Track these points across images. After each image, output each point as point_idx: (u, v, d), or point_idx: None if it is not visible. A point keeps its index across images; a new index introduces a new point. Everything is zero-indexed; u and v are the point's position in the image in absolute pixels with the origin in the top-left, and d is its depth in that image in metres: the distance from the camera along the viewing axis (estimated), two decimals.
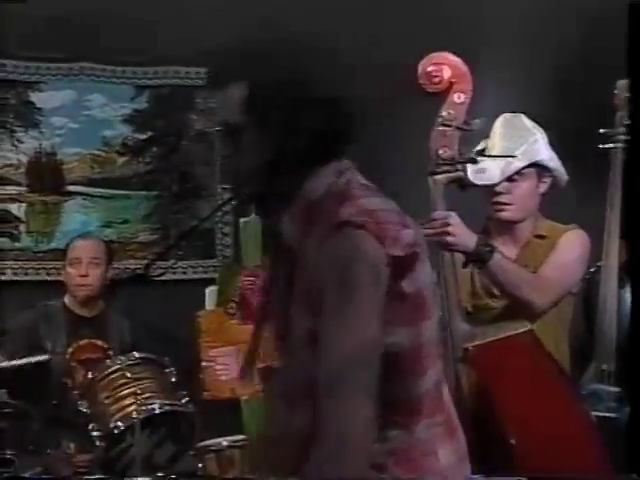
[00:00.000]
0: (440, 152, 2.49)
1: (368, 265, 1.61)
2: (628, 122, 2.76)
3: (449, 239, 2.46)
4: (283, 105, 1.70)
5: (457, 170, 2.50)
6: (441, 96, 2.50)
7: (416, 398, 1.69)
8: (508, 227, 2.80)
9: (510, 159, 2.66)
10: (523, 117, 2.78)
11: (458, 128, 2.48)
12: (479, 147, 2.74)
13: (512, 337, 2.47)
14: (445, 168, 2.50)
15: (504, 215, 2.72)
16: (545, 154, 2.73)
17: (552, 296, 2.62)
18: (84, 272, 3.71)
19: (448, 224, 2.46)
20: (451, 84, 2.48)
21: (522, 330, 2.49)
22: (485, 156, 2.63)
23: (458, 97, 2.48)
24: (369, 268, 1.61)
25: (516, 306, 2.60)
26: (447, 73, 2.49)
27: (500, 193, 2.69)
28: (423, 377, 1.70)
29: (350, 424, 1.55)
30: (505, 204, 2.71)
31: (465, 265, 2.57)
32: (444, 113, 2.50)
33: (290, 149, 1.71)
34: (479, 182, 2.58)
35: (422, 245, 1.71)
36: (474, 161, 2.52)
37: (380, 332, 1.59)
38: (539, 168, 2.73)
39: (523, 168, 2.71)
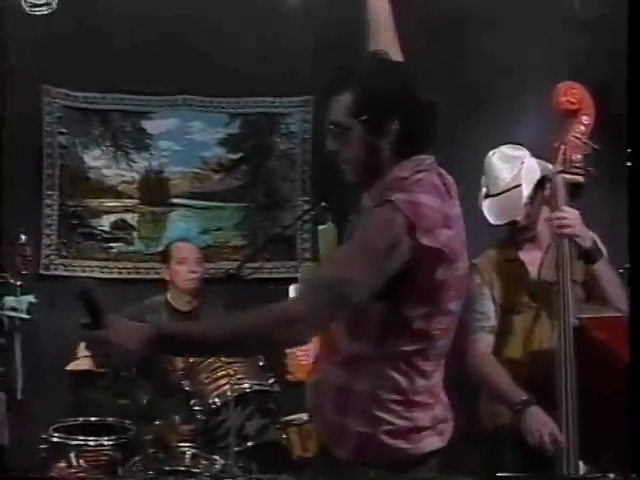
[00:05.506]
0: (573, 157, 2.70)
1: (387, 238, 1.77)
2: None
3: (574, 231, 2.67)
4: (381, 109, 1.90)
5: (582, 175, 2.71)
6: (571, 115, 2.77)
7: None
8: (531, 234, 2.90)
9: (517, 188, 2.83)
10: (503, 148, 2.93)
11: (585, 143, 2.74)
12: (484, 190, 2.89)
13: (619, 317, 2.66)
14: (575, 170, 2.72)
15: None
16: (537, 169, 2.85)
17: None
18: (193, 268, 4.04)
19: (575, 219, 2.68)
20: (580, 108, 2.76)
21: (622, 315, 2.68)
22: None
23: (586, 119, 2.76)
24: (386, 239, 1.77)
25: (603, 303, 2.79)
26: (579, 98, 2.76)
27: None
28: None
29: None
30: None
31: (578, 258, 2.72)
32: (579, 128, 2.74)
33: (383, 144, 1.91)
34: (509, 219, 2.80)
35: (457, 247, 1.88)
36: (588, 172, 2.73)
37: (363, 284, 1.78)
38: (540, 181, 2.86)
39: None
